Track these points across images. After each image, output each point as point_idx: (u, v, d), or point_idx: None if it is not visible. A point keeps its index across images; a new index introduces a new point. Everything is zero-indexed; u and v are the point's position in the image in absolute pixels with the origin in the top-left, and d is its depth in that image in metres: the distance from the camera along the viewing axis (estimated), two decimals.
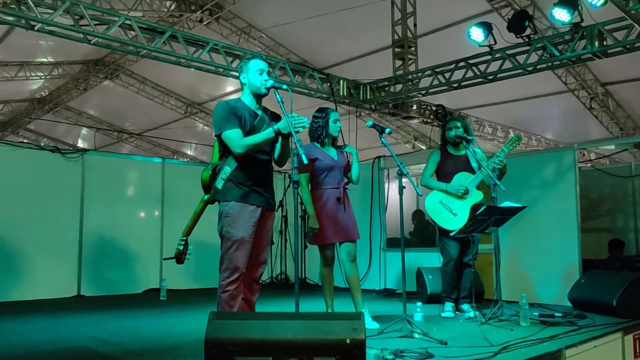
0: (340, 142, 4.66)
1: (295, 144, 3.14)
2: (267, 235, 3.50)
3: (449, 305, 5.00)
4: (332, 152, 4.47)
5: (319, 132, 4.43)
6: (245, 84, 3.48)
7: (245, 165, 3.35)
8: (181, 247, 3.74)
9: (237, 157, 3.31)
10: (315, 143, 4.46)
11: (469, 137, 5.04)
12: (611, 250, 6.84)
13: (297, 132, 3.13)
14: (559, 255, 5.85)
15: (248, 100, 3.47)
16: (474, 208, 4.87)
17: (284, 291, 7.31)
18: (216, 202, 3.45)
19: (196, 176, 3.77)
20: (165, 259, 3.71)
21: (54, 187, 6.91)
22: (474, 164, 5.05)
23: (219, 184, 3.34)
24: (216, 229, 3.41)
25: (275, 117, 3.54)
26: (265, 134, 3.28)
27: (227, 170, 3.33)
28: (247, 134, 3.32)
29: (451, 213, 4.91)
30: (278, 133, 3.22)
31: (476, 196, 4.95)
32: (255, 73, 3.43)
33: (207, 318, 2.63)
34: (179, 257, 3.63)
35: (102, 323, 4.88)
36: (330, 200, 4.32)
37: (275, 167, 3.60)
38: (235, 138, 3.28)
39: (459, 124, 5.15)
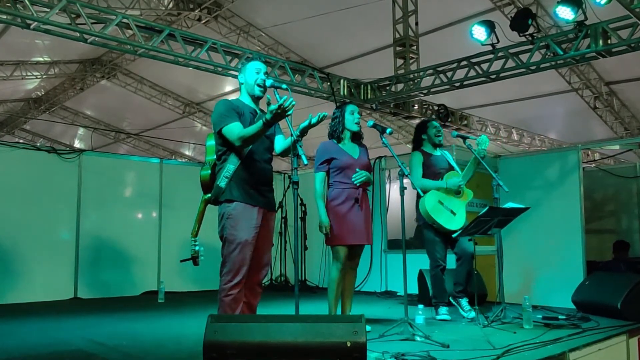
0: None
1: (295, 143, 3.08)
2: (269, 237, 3.46)
3: (443, 309, 4.88)
4: (353, 149, 4.29)
5: (335, 128, 4.26)
6: (242, 84, 3.49)
7: (248, 163, 3.29)
8: (197, 248, 3.70)
9: (238, 150, 3.24)
10: (333, 140, 4.27)
11: (470, 137, 5.00)
12: (616, 251, 6.79)
13: (288, 115, 3.02)
14: (563, 257, 5.81)
15: (247, 100, 3.46)
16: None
17: (283, 293, 7.24)
18: (215, 203, 3.38)
19: (194, 177, 3.71)
20: (182, 260, 3.67)
21: (50, 188, 6.84)
22: (452, 163, 5.08)
23: (222, 182, 3.26)
24: (214, 231, 3.36)
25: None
26: (255, 126, 3.13)
27: (230, 168, 3.26)
28: None
29: (451, 213, 4.85)
30: (267, 124, 3.06)
31: (468, 194, 4.97)
32: (252, 72, 3.43)
33: (206, 321, 2.59)
34: (195, 259, 3.61)
35: (99, 326, 4.82)
36: (347, 200, 4.13)
37: (275, 167, 3.54)
38: (235, 130, 3.19)
39: (437, 124, 5.16)
